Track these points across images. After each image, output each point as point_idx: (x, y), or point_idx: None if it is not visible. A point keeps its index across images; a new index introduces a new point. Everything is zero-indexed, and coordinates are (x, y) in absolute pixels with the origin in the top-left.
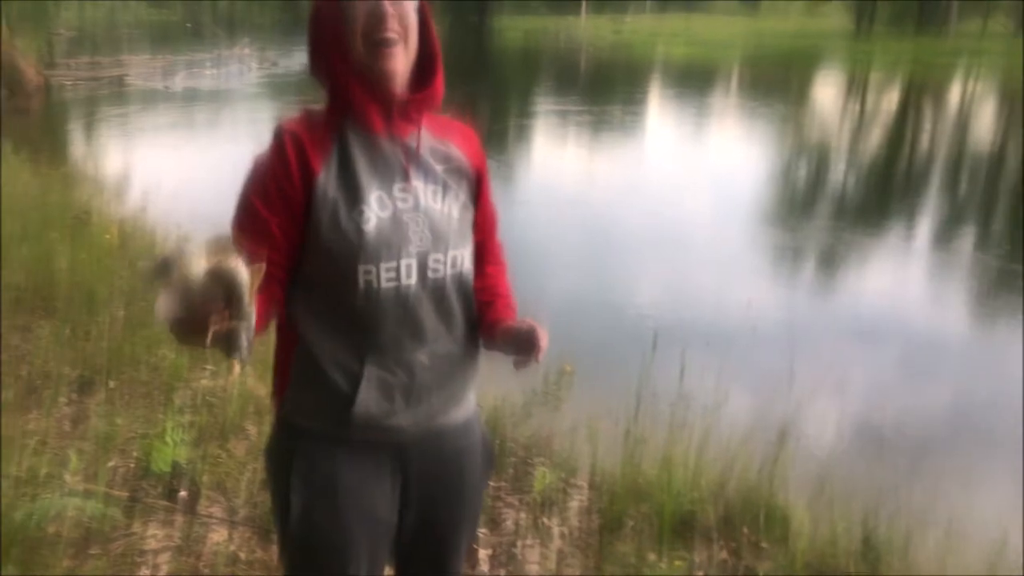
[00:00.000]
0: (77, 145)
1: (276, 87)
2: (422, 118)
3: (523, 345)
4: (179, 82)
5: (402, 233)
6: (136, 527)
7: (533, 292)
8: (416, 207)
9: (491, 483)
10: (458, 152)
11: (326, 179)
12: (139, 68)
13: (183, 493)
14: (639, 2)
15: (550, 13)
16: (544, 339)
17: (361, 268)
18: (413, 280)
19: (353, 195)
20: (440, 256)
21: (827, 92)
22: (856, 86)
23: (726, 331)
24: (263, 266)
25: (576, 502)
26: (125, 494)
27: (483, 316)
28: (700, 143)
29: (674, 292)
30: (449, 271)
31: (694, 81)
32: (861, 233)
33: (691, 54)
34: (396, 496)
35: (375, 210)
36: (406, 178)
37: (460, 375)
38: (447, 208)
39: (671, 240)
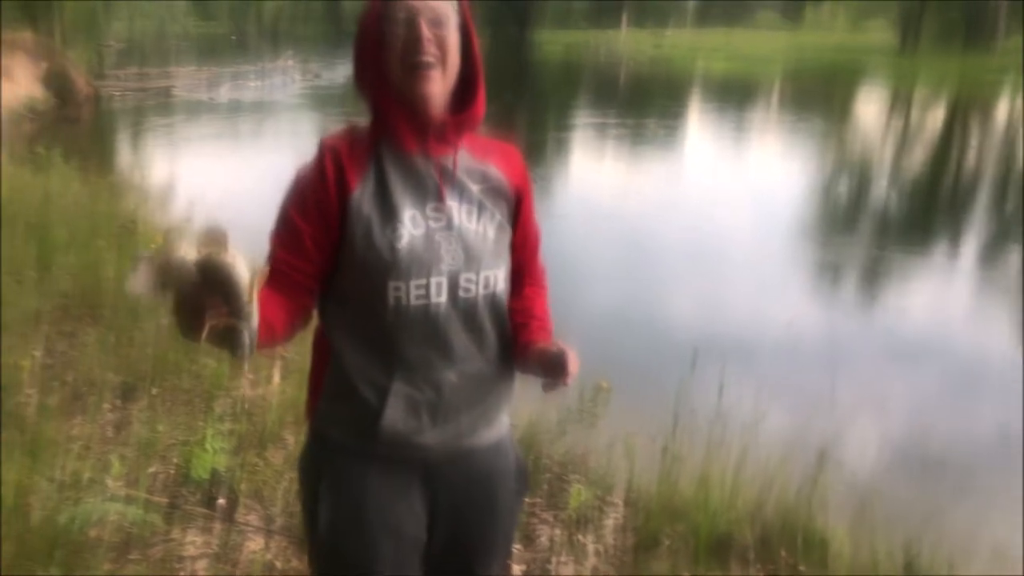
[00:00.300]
0: (124, 154)
1: (319, 99)
2: (460, 139)
3: (552, 368)
4: (224, 93)
5: (433, 251)
6: (175, 533)
7: (570, 306)
8: (449, 226)
9: (526, 499)
10: (497, 172)
11: (361, 195)
12: (185, 79)
13: (221, 501)
14: (680, 16)
15: (590, 27)
16: (574, 363)
17: (391, 284)
18: (443, 298)
19: (387, 212)
20: (472, 276)
21: (870, 108)
22: (900, 102)
23: (765, 348)
24: (264, 269)
25: (611, 520)
26: (165, 500)
27: (517, 337)
28: (740, 158)
29: (712, 308)
30: (481, 291)
31: (734, 96)
32: (904, 251)
33: (732, 68)
34: (424, 513)
35: (408, 228)
36: (440, 197)
37: (491, 395)
38: (482, 228)
39: (710, 255)
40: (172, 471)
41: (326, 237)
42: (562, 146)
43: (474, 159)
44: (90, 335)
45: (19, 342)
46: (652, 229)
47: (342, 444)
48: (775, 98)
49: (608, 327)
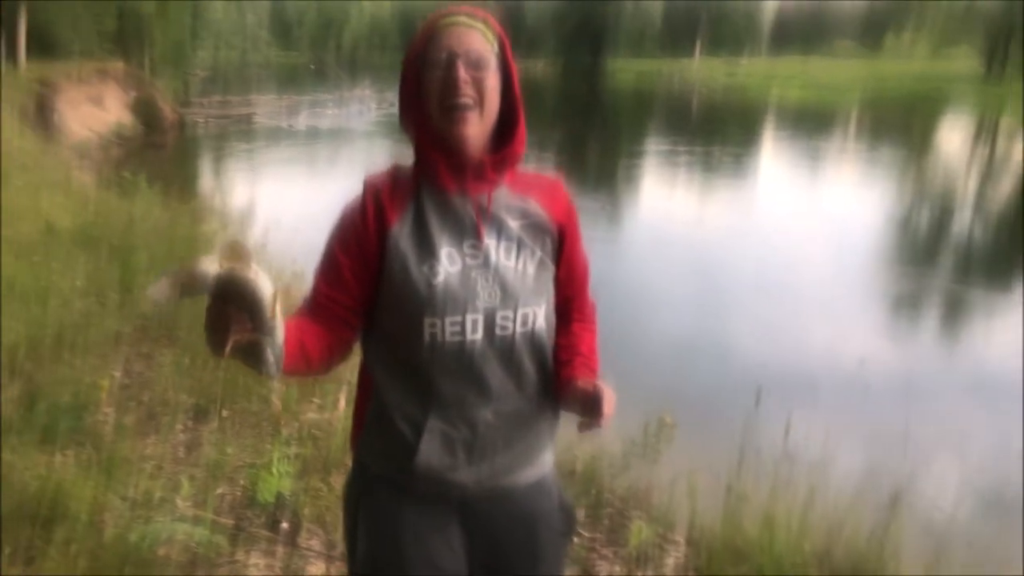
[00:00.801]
0: (206, 179)
1: (393, 126)
2: (498, 176)
3: (588, 408)
4: (302, 121)
5: (470, 288)
6: (239, 555)
7: (637, 335)
8: (486, 263)
9: (586, 534)
10: (538, 208)
11: (399, 231)
12: (266, 107)
13: (285, 524)
14: (755, 44)
15: (663, 55)
16: (609, 404)
17: (427, 321)
18: (479, 336)
19: (424, 250)
20: (509, 313)
21: (953, 137)
22: (985, 131)
23: (838, 384)
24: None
25: (672, 558)
26: (231, 522)
27: (559, 374)
28: (815, 188)
29: (784, 341)
30: (519, 329)
31: (810, 124)
32: (987, 286)
33: (807, 97)
34: (463, 551)
35: (444, 265)
36: (477, 235)
37: (531, 434)
38: (521, 265)
39: (782, 286)
40: (239, 493)
41: (365, 271)
42: (633, 173)
43: (514, 195)
44: (166, 357)
45: (100, 362)
46: (723, 258)
47: (381, 476)
48: (852, 127)
49: (675, 358)
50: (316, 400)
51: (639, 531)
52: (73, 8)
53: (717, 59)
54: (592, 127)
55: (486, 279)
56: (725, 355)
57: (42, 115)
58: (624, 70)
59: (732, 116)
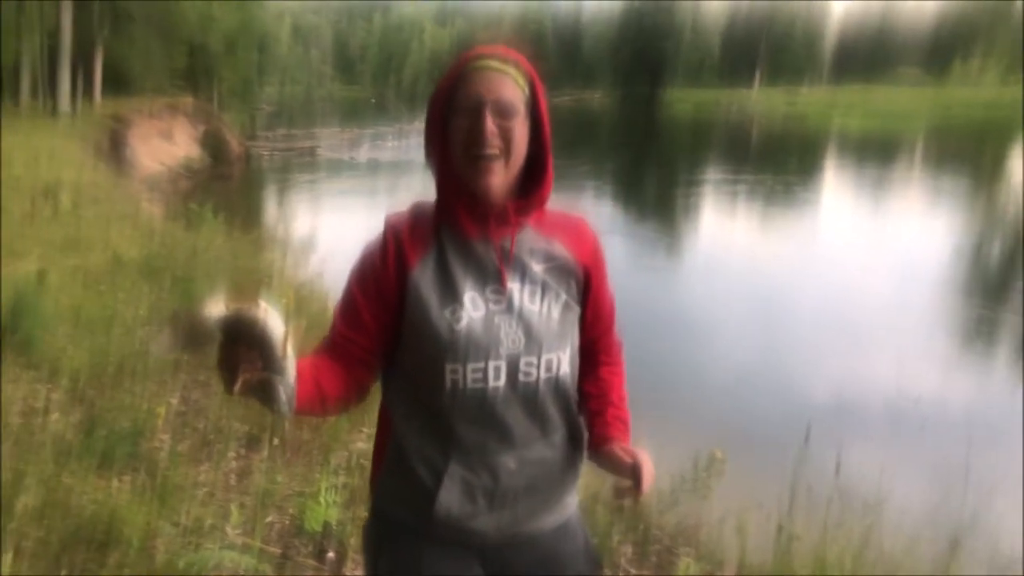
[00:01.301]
0: (269, 210)
1: None
2: (522, 220)
3: (624, 476)
4: (364, 153)
5: (492, 335)
6: None
7: (692, 366)
8: (509, 309)
9: (633, 571)
10: (563, 250)
11: (420, 274)
12: (329, 140)
13: (331, 554)
14: (815, 73)
15: (722, 85)
16: (648, 479)
17: (448, 367)
18: (502, 382)
19: (446, 294)
20: (532, 359)
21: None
22: None
23: (896, 420)
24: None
25: None
26: (278, 551)
27: (591, 427)
28: (878, 218)
29: (842, 375)
30: (543, 375)
31: (873, 154)
32: None
33: (870, 126)
34: None
35: (467, 310)
36: (500, 280)
37: (555, 481)
38: (545, 309)
39: (843, 319)
40: (287, 522)
41: (385, 313)
42: (691, 204)
43: (539, 236)
44: (221, 385)
45: (158, 389)
46: (783, 290)
47: (400, 521)
48: (918, 156)
49: (730, 390)
50: (365, 430)
51: (687, 568)
52: (146, 46)
53: (777, 88)
54: (650, 157)
55: (510, 325)
56: (781, 388)
57: (115, 149)
58: (682, 100)
59: (792, 146)
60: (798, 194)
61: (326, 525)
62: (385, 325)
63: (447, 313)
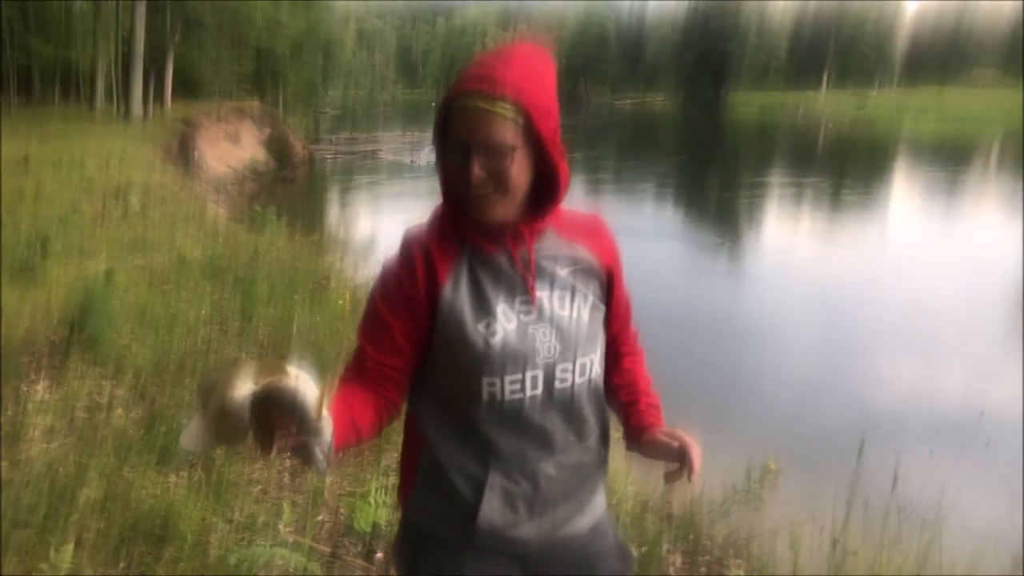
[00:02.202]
0: (331, 213)
1: None
2: (536, 233)
3: (675, 460)
4: (424, 157)
5: (529, 345)
6: None
7: (752, 372)
8: (541, 317)
9: None
10: (585, 252)
11: (452, 291)
12: (391, 143)
13: (379, 555)
14: (886, 75)
15: (788, 87)
16: (697, 459)
17: (485, 380)
18: (539, 391)
19: (479, 308)
20: (568, 365)
21: None
22: None
23: (962, 434)
24: (335, 381)
25: None
26: (327, 549)
27: (627, 418)
28: (950, 225)
29: (906, 387)
30: (578, 379)
31: (946, 159)
32: None
33: (944, 130)
34: None
35: (502, 323)
36: (527, 290)
37: (590, 484)
38: (575, 312)
39: (910, 329)
40: (337, 521)
41: (417, 332)
42: (755, 208)
43: (561, 241)
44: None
45: None
46: (848, 298)
47: (438, 536)
48: (993, 161)
49: (788, 400)
50: None
51: None
52: (216, 51)
53: (845, 91)
54: (713, 161)
55: (544, 333)
56: (841, 398)
57: (183, 152)
58: (747, 103)
59: (861, 150)
60: (866, 200)
61: (375, 525)
62: (416, 343)
63: (481, 327)
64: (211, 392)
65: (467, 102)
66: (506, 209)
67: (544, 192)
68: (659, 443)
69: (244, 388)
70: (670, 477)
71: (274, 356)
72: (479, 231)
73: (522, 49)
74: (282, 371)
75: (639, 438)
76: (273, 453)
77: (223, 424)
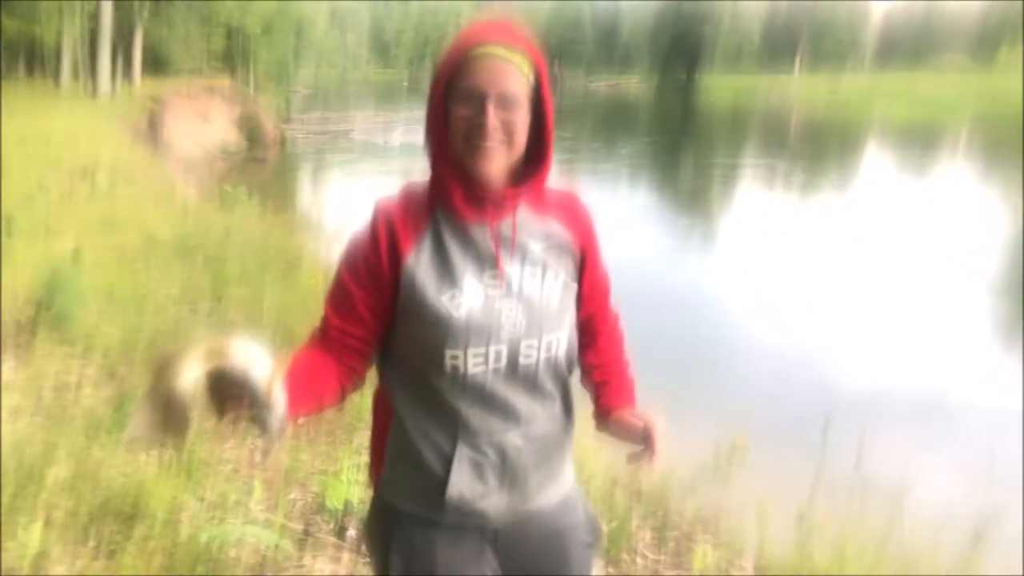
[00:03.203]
0: (303, 193)
1: None
2: (518, 205)
3: (638, 443)
4: (397, 137)
5: (494, 319)
6: (306, 560)
7: (722, 355)
8: (509, 293)
9: (650, 555)
10: (559, 227)
11: (415, 262)
12: (363, 123)
13: (351, 532)
14: (858, 60)
15: (762, 71)
16: (662, 443)
17: (448, 353)
18: (502, 364)
19: (444, 279)
20: (533, 342)
21: None
22: None
23: (927, 411)
24: (289, 355)
25: None
26: (300, 527)
27: (598, 398)
28: (920, 209)
29: (873, 366)
30: (542, 356)
31: (916, 143)
32: None
33: (914, 114)
34: None
35: (467, 296)
36: (497, 264)
37: (556, 455)
38: (546, 290)
39: (878, 310)
40: (309, 499)
41: (379, 303)
42: (728, 192)
43: (535, 216)
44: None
45: None
46: (819, 279)
47: (409, 513)
48: (962, 146)
49: (760, 377)
50: None
51: (704, 556)
52: (185, 28)
53: (818, 75)
54: (686, 144)
55: (511, 309)
56: (810, 377)
57: (152, 130)
58: (720, 87)
59: (833, 134)
60: (838, 183)
61: (347, 503)
62: (379, 314)
63: (445, 299)
64: (159, 378)
65: (487, 51)
66: (503, 166)
67: (530, 161)
68: (625, 423)
69: (191, 374)
70: (633, 458)
71: (220, 335)
72: (465, 194)
73: (512, 20)
74: (228, 352)
75: (607, 418)
76: (225, 423)
77: (170, 414)
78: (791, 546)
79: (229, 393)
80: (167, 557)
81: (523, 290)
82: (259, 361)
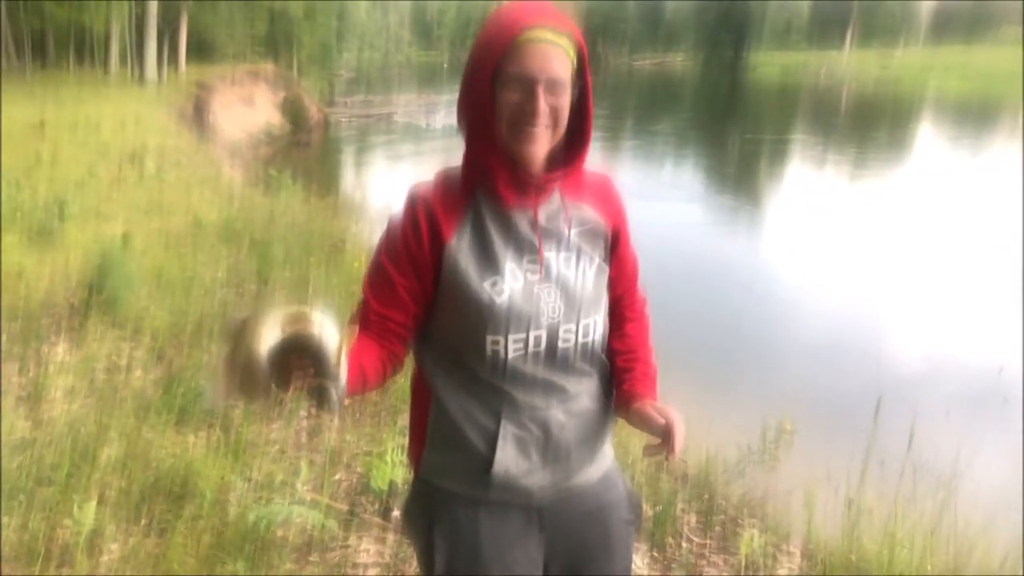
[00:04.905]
0: (346, 177)
1: None
2: (556, 189)
3: (656, 435)
4: (439, 119)
5: (533, 305)
6: (351, 540)
7: (771, 337)
8: (548, 278)
9: (696, 539)
10: (592, 212)
11: (457, 247)
12: (406, 106)
13: (396, 512)
14: (911, 34)
15: (811, 47)
16: (680, 439)
17: (489, 338)
18: (541, 349)
19: (486, 265)
20: (571, 326)
21: None
22: None
23: (979, 394)
24: (355, 328)
25: (785, 570)
26: (345, 507)
27: (620, 383)
28: (975, 186)
29: (926, 348)
30: (580, 340)
31: (972, 118)
32: None
33: (969, 88)
34: (540, 555)
35: (508, 282)
36: (536, 249)
37: (597, 431)
38: (581, 274)
39: (931, 290)
40: (354, 480)
41: (420, 288)
42: (776, 171)
43: (570, 201)
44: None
45: None
46: (870, 260)
47: (453, 493)
48: (1021, 120)
49: (809, 360)
50: None
51: (751, 540)
52: (229, 13)
53: (869, 51)
54: (733, 122)
55: (549, 294)
56: (860, 359)
57: (198, 116)
58: (768, 64)
59: (885, 110)
60: (890, 161)
61: (392, 484)
62: (420, 299)
63: (487, 285)
64: (238, 342)
65: (536, 35)
66: (547, 149)
67: (569, 152)
68: (646, 416)
69: (270, 338)
70: (649, 451)
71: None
72: (508, 178)
73: (551, 2)
74: (306, 319)
75: (628, 405)
76: (290, 392)
77: (249, 376)
78: (839, 531)
79: (296, 363)
80: (215, 536)
81: (560, 275)
82: (331, 332)
